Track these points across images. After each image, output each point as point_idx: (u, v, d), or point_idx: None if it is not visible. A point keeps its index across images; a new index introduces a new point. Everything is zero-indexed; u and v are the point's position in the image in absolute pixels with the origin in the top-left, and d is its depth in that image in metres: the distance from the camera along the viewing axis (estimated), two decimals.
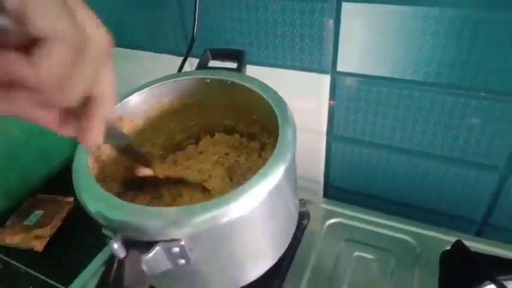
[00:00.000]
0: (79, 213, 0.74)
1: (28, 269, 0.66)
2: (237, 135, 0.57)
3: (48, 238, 0.70)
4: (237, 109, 0.53)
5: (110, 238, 0.33)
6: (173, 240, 0.33)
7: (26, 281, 0.64)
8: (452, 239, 0.51)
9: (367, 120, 0.58)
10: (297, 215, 0.48)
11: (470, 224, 0.60)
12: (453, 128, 0.52)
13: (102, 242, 0.63)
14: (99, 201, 0.35)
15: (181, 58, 0.60)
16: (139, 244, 0.33)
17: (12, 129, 0.79)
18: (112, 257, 0.33)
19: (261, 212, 0.37)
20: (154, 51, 0.69)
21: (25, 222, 0.74)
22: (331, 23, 0.51)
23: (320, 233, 0.57)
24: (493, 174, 0.54)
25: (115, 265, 0.32)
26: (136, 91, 0.50)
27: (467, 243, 0.51)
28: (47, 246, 0.69)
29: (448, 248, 0.52)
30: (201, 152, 0.57)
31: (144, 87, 0.51)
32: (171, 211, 0.33)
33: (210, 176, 0.52)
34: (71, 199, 0.78)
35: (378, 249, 0.53)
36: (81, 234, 0.72)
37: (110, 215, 0.34)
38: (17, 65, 0.20)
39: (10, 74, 0.20)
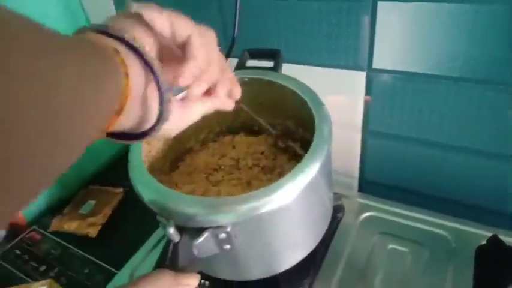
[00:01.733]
0: (128, 203, 0.82)
1: (84, 253, 0.72)
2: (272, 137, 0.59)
3: (100, 225, 0.77)
4: (273, 107, 0.56)
5: (164, 224, 0.37)
6: (220, 227, 0.36)
7: (83, 264, 0.70)
8: (488, 234, 0.52)
9: (402, 116, 0.59)
10: (331, 208, 0.51)
11: (506, 219, 0.59)
12: (490, 122, 0.52)
13: (149, 229, 0.70)
14: (153, 191, 0.39)
15: None
16: (190, 230, 0.37)
17: None
18: (168, 242, 0.37)
19: (298, 204, 0.39)
20: None
21: (80, 211, 0.81)
22: (367, 21, 0.53)
23: (354, 226, 0.59)
24: None
25: (170, 249, 0.36)
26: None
27: (503, 238, 0.51)
28: (100, 233, 0.75)
29: (484, 242, 0.52)
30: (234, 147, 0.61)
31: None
32: (219, 201, 0.37)
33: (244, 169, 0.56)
34: (120, 190, 0.85)
35: (412, 243, 0.54)
36: (130, 222, 0.78)
37: (165, 204, 0.37)
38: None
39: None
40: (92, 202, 0.83)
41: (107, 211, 0.80)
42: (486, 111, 0.52)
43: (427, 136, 0.59)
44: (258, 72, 0.54)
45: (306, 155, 0.40)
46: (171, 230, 0.36)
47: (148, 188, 0.40)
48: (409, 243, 0.54)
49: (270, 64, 0.56)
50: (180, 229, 0.37)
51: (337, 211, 0.60)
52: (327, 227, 0.50)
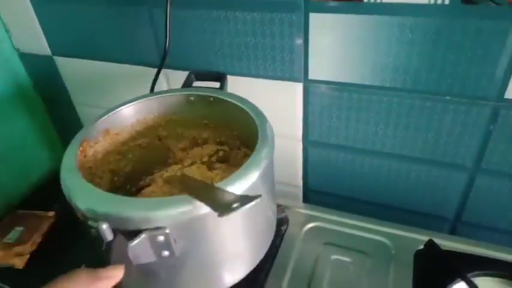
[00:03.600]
0: (60, 228, 0.75)
1: (9, 287, 0.65)
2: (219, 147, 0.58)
3: (28, 255, 0.69)
4: (219, 125, 0.56)
5: (95, 225, 0.34)
6: (158, 228, 0.34)
7: None
8: (426, 238, 0.53)
9: (340, 125, 0.59)
10: (275, 220, 0.50)
11: (444, 223, 0.62)
12: (422, 130, 0.54)
13: (84, 258, 0.64)
14: (84, 194, 0.37)
15: (155, 70, 0.60)
16: (125, 232, 0.34)
17: None
18: (97, 242, 0.34)
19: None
20: (130, 63, 0.69)
21: (5, 240, 0.73)
22: (300, 33, 0.53)
23: (299, 237, 0.58)
24: (462, 174, 0.56)
25: (103, 248, 0.33)
26: (123, 105, 0.51)
27: (440, 241, 0.53)
28: (28, 263, 0.68)
29: (422, 247, 0.53)
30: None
31: (132, 102, 0.52)
32: (156, 201, 0.36)
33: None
34: (51, 214, 0.78)
35: (355, 252, 0.55)
36: (63, 249, 0.71)
37: (98, 206, 0.35)
38: None
39: None
40: (19, 229, 0.75)
41: (36, 238, 0.73)
42: (416, 119, 0.54)
43: (364, 145, 0.60)
44: (204, 90, 0.54)
45: (247, 161, 0.39)
46: (104, 226, 0.33)
47: (80, 190, 0.38)
48: (351, 252, 0.55)
49: (216, 85, 0.56)
50: (115, 232, 0.34)
51: (281, 224, 0.59)
52: (271, 240, 0.49)
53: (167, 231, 0.35)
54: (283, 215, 0.60)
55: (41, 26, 0.73)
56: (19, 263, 0.68)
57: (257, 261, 0.47)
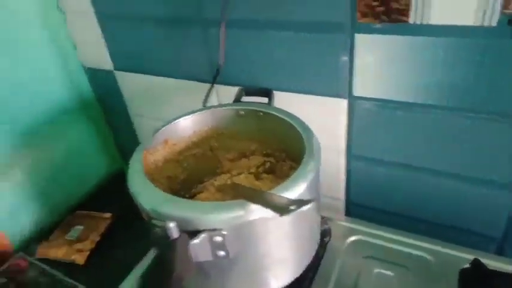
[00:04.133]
0: (117, 229, 0.81)
1: (72, 281, 0.71)
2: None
3: (88, 252, 0.76)
4: (266, 138, 0.59)
5: (161, 225, 0.38)
6: (216, 229, 0.38)
7: None
8: (471, 257, 0.53)
9: (384, 141, 0.60)
10: (319, 231, 0.52)
11: (490, 242, 0.61)
12: (467, 147, 0.54)
13: (138, 255, 0.69)
14: (150, 195, 0.42)
15: (207, 85, 0.65)
16: (187, 232, 0.38)
17: (55, 154, 0.87)
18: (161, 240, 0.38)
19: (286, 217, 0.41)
20: (184, 79, 0.75)
21: (67, 237, 0.80)
22: (345, 52, 0.55)
23: (341, 250, 0.60)
24: (510, 192, 0.55)
25: (168, 246, 0.37)
26: (181, 117, 0.56)
27: (486, 261, 0.53)
28: (87, 260, 0.75)
29: (467, 265, 0.53)
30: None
31: (189, 115, 0.57)
32: (216, 204, 0.40)
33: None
34: (108, 215, 0.84)
35: (398, 266, 0.55)
36: (119, 247, 0.77)
37: (162, 207, 0.39)
38: None
39: None
40: (80, 227, 0.82)
41: (95, 237, 0.79)
42: (463, 137, 0.54)
43: (408, 161, 0.60)
44: (254, 104, 0.58)
45: (295, 173, 0.42)
46: (171, 225, 0.37)
47: (147, 192, 0.42)
48: (394, 267, 0.55)
49: (264, 100, 0.59)
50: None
51: (324, 235, 0.61)
52: (315, 249, 0.51)
53: (224, 232, 0.38)
54: (326, 226, 0.62)
55: (106, 43, 0.80)
56: (80, 259, 0.75)
57: (301, 269, 0.49)
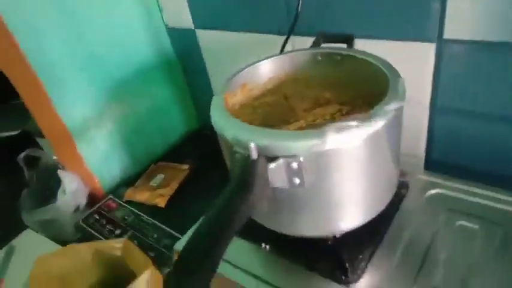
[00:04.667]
0: (193, 179, 0.86)
1: (153, 220, 0.78)
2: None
3: (168, 197, 0.82)
4: (343, 86, 0.57)
5: (242, 148, 0.40)
6: (294, 156, 0.39)
7: (152, 229, 0.76)
8: None
9: (476, 90, 0.55)
10: (396, 177, 0.50)
11: None
12: None
13: (211, 202, 0.73)
14: (231, 126, 0.44)
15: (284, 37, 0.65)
16: (266, 157, 0.40)
17: (140, 109, 0.94)
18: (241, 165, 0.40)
19: (362, 152, 0.41)
20: (260, 32, 0.75)
21: (150, 183, 0.87)
22: None
23: (420, 203, 0.57)
24: None
25: (247, 166, 0.39)
26: (258, 62, 0.57)
27: None
28: (167, 203, 0.81)
29: None
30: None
31: (266, 59, 0.58)
32: (294, 132, 0.42)
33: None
34: (186, 167, 0.90)
35: (484, 220, 0.51)
36: (194, 195, 0.83)
37: (243, 134, 0.41)
38: None
39: None
40: (161, 176, 0.89)
41: (174, 185, 0.85)
42: None
43: (504, 111, 0.55)
44: (332, 48, 0.57)
45: (376, 107, 0.41)
46: (252, 145, 0.38)
47: (228, 122, 0.44)
48: (480, 220, 0.51)
49: (344, 46, 0.58)
50: (258, 153, 0.40)
51: (401, 187, 0.58)
52: (391, 196, 0.50)
53: (301, 159, 0.39)
54: (403, 179, 0.59)
55: (188, 3, 0.84)
56: (161, 202, 0.81)
57: (375, 213, 0.48)
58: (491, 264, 0.47)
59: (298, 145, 0.39)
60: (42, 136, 0.95)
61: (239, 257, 0.55)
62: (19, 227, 0.86)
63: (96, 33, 0.80)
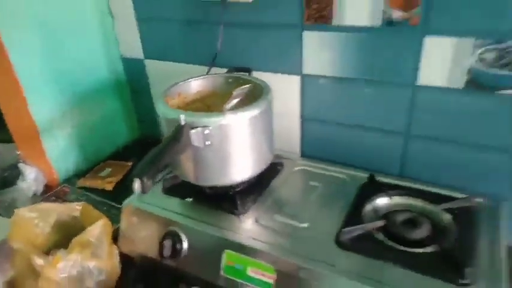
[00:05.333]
0: None
1: (102, 199, 1.01)
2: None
3: (114, 183, 1.06)
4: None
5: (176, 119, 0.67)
6: (206, 126, 0.68)
7: (102, 205, 0.98)
8: (366, 175, 0.82)
9: (327, 105, 0.91)
10: (271, 147, 0.81)
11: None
12: (380, 105, 0.85)
13: None
14: (169, 110, 0.72)
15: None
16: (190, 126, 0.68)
17: (94, 117, 1.18)
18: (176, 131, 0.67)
19: (246, 127, 0.72)
20: (193, 64, 1.07)
21: (100, 174, 1.10)
22: (298, 43, 0.87)
23: (289, 174, 0.89)
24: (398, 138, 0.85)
25: (177, 128, 0.66)
26: (190, 79, 0.87)
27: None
28: (114, 188, 1.05)
29: (366, 181, 0.82)
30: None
31: (195, 78, 0.88)
32: (208, 113, 0.71)
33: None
34: (129, 163, 1.15)
35: (324, 181, 0.84)
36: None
37: (175, 112, 0.70)
38: None
39: None
40: (109, 169, 1.13)
41: (119, 175, 1.09)
42: (367, 99, 0.85)
43: (345, 120, 0.91)
44: (237, 75, 0.89)
45: (254, 103, 0.73)
46: (182, 117, 0.66)
47: (168, 108, 0.74)
48: (321, 181, 0.84)
49: (245, 74, 0.91)
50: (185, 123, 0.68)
51: (278, 165, 0.90)
52: (268, 162, 0.80)
53: (210, 128, 0.68)
54: (281, 160, 0.91)
55: (140, 39, 1.13)
56: (109, 186, 1.05)
57: (256, 172, 0.78)
58: (321, 204, 0.79)
59: (209, 120, 0.69)
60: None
61: (172, 208, 0.81)
62: None
63: (67, 53, 1.06)
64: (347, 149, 0.94)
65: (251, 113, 0.72)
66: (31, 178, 1.06)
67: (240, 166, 0.76)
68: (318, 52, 0.86)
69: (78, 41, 1.08)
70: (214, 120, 0.69)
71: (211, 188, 0.81)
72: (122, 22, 1.15)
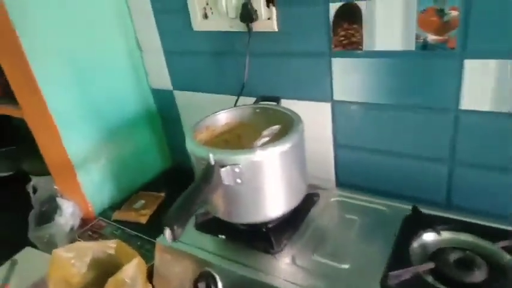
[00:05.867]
0: (168, 203, 1.11)
1: (136, 233, 1.01)
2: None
3: (149, 216, 1.06)
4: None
5: (205, 158, 0.66)
6: (236, 164, 0.66)
7: (136, 239, 0.98)
8: (408, 207, 0.77)
9: (359, 132, 0.87)
10: (305, 181, 0.78)
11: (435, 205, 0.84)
12: (424, 135, 0.80)
13: None
14: (198, 147, 0.72)
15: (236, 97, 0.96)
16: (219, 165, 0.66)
17: (126, 149, 1.19)
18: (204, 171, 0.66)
19: (277, 162, 0.69)
20: (221, 94, 1.06)
21: (133, 207, 1.11)
22: (328, 69, 0.84)
23: (326, 205, 0.85)
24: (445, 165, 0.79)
25: (207, 169, 0.65)
26: (218, 112, 0.86)
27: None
28: (148, 221, 1.05)
29: (409, 213, 0.77)
30: None
31: (223, 110, 0.87)
32: (237, 150, 0.69)
33: None
34: (162, 194, 1.15)
35: (361, 214, 0.80)
36: None
37: (204, 151, 0.69)
38: None
39: None
40: (142, 201, 1.13)
41: (153, 207, 1.09)
42: (410, 127, 0.80)
43: (380, 146, 0.86)
44: (266, 105, 0.87)
45: (285, 137, 0.70)
46: (211, 156, 0.65)
47: (197, 145, 0.73)
48: (359, 214, 0.80)
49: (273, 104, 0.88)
50: (215, 162, 0.66)
51: (314, 196, 0.87)
52: (301, 196, 0.77)
53: (240, 166, 0.66)
54: (316, 191, 0.88)
55: (168, 71, 1.14)
56: (143, 219, 1.05)
57: (290, 207, 0.75)
58: (361, 241, 0.75)
59: (239, 157, 0.67)
60: (37, 174, 1.19)
61: (204, 245, 0.79)
62: (21, 244, 1.06)
63: (98, 88, 1.08)
64: (385, 177, 0.89)
65: (282, 147, 0.69)
66: (68, 213, 1.08)
67: (273, 202, 0.74)
68: (349, 78, 0.83)
69: (108, 75, 1.11)
70: (244, 158, 0.67)
71: (244, 224, 0.79)
72: (150, 54, 1.16)
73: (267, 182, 0.71)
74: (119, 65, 1.14)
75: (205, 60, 1.04)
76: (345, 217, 0.81)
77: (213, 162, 0.66)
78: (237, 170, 0.67)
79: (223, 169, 0.67)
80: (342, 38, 0.80)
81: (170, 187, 1.19)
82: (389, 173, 0.88)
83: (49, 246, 1.06)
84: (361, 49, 0.78)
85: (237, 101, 0.96)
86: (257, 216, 0.74)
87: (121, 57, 1.14)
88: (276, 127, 0.76)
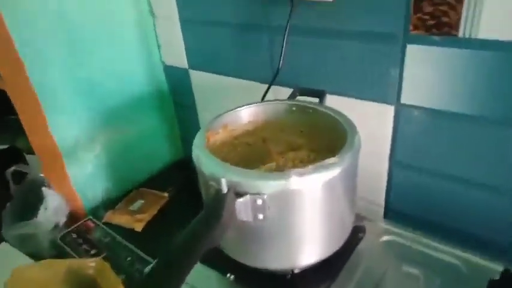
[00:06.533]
0: (171, 206, 0.91)
1: (128, 244, 0.82)
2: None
3: (146, 222, 0.86)
4: (313, 134, 0.65)
5: (215, 182, 0.45)
6: (259, 194, 0.45)
7: (127, 252, 0.80)
8: (501, 268, 0.54)
9: (428, 149, 0.63)
10: (351, 216, 0.56)
11: None
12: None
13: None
14: (209, 163, 0.50)
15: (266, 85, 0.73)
16: (235, 192, 0.46)
17: (129, 136, 1.00)
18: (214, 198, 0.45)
19: (319, 194, 0.48)
20: (246, 79, 0.84)
21: (130, 208, 0.92)
22: (396, 61, 0.60)
23: (374, 247, 0.63)
24: None
25: (218, 198, 0.45)
26: (240, 107, 0.64)
27: None
28: (144, 229, 0.85)
29: (497, 277, 0.54)
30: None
31: (247, 105, 0.65)
32: (261, 173, 0.49)
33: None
34: (166, 195, 0.95)
35: (426, 267, 0.57)
36: (171, 222, 0.87)
37: (218, 171, 0.47)
38: None
39: None
40: (141, 201, 0.94)
41: (153, 211, 0.90)
42: (506, 150, 0.56)
43: (450, 171, 0.63)
44: (305, 102, 0.64)
45: (335, 157, 0.48)
46: (223, 181, 0.44)
47: (206, 158, 0.51)
48: (422, 267, 0.57)
49: (316, 101, 0.65)
50: (229, 187, 0.45)
51: (359, 231, 0.64)
52: (345, 238, 0.55)
53: (265, 197, 0.45)
54: (361, 224, 0.65)
55: (185, 45, 0.92)
56: (138, 227, 0.85)
57: (329, 252, 0.54)
58: None
59: (264, 184, 0.45)
60: (31, 153, 1.00)
61: (205, 284, 0.59)
62: None
63: (97, 62, 0.87)
64: (455, 211, 0.65)
65: (328, 173, 0.47)
66: (53, 206, 0.90)
67: (308, 247, 0.52)
68: (427, 75, 0.58)
69: (110, 44, 0.90)
70: (272, 185, 0.46)
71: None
72: (165, 22, 0.94)
73: (301, 220, 0.49)
74: (125, 33, 0.93)
75: (231, 34, 0.81)
76: (402, 270, 0.58)
77: (225, 190, 0.45)
78: (259, 202, 0.45)
79: (240, 200, 0.45)
80: (427, 17, 0.55)
81: (178, 185, 0.99)
82: (460, 207, 0.64)
83: (27, 245, 0.89)
84: (456, 35, 0.53)
85: (267, 91, 0.74)
86: (281, 262, 0.53)
87: (128, 23, 0.93)
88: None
